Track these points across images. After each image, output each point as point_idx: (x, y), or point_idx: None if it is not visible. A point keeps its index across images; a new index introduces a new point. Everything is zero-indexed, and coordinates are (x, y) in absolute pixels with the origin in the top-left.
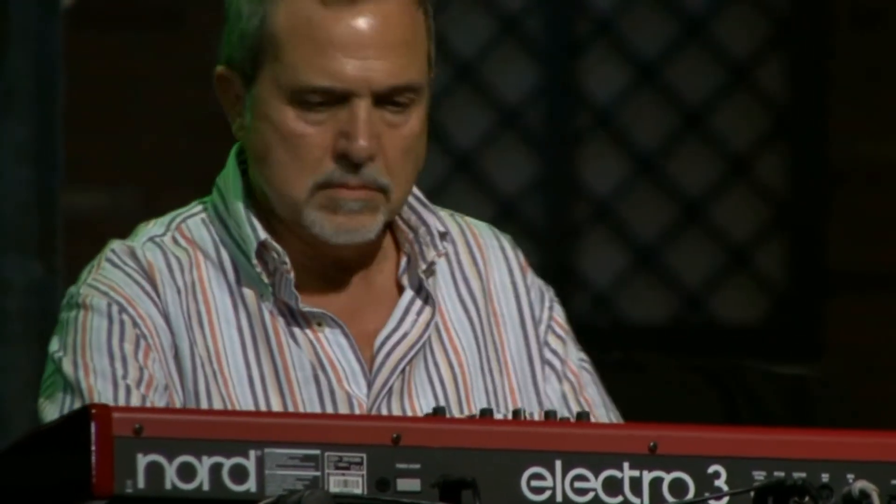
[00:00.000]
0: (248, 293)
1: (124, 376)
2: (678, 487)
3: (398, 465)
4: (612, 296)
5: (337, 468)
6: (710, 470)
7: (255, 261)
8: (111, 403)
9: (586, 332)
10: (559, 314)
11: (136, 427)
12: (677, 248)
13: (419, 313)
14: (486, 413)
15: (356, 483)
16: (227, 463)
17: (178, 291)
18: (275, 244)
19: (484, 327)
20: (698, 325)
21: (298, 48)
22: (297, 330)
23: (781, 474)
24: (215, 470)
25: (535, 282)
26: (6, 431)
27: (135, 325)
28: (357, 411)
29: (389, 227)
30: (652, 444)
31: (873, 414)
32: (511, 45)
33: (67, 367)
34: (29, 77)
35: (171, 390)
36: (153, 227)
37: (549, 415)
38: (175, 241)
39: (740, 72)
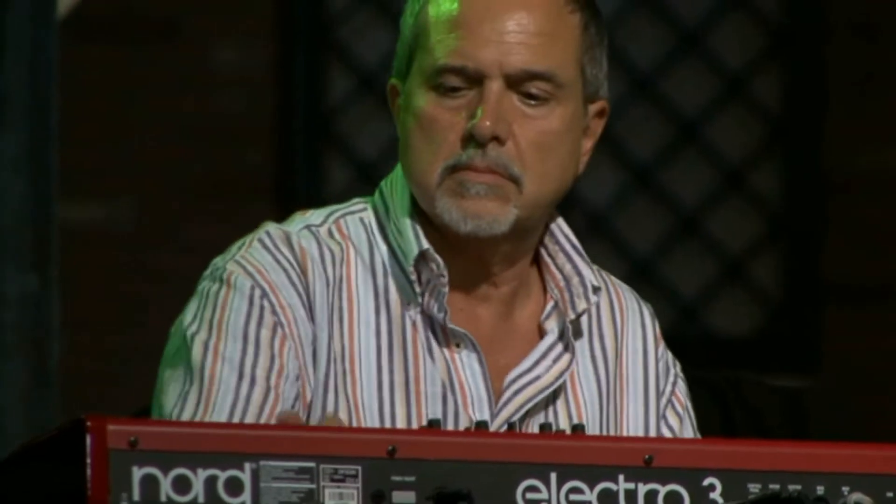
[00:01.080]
0: (394, 299)
1: (254, 365)
2: (673, 500)
3: (393, 477)
4: None
5: (332, 481)
6: (706, 482)
7: (410, 268)
8: (231, 394)
9: None
10: (681, 391)
11: (131, 440)
12: (673, 260)
13: (556, 360)
14: (482, 426)
15: (351, 496)
16: (223, 476)
17: (327, 283)
18: (436, 256)
19: (610, 388)
20: (694, 336)
21: (438, 33)
22: (434, 345)
23: (777, 487)
24: (210, 483)
25: (665, 355)
26: (2, 443)
27: (273, 312)
28: None
29: (538, 267)
30: (647, 456)
31: (869, 425)
32: None
33: (198, 347)
34: (23, 88)
35: (304, 381)
36: (311, 216)
37: (544, 427)
38: (330, 233)
39: (735, 83)
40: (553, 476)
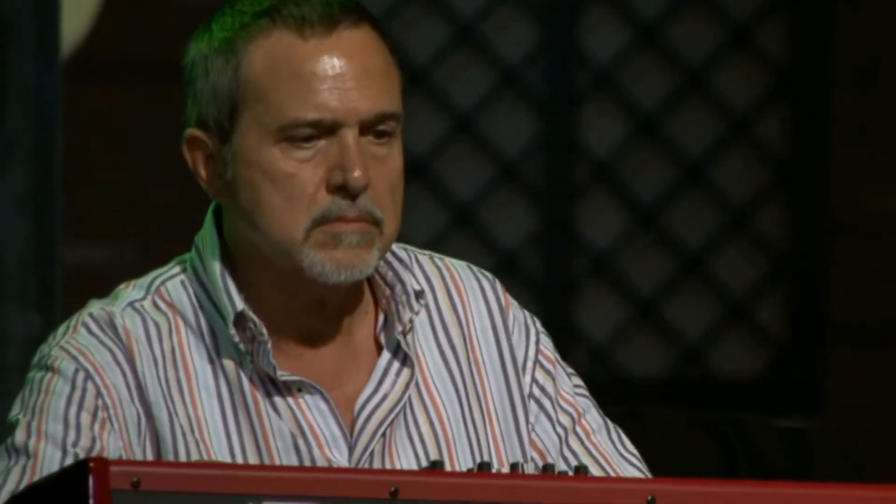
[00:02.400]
0: (227, 361)
1: (75, 443)
2: None
3: None
4: (611, 349)
5: None
6: None
7: (232, 330)
8: (56, 467)
9: (585, 386)
10: (546, 345)
11: (133, 480)
12: (677, 301)
13: (398, 374)
14: (484, 467)
15: None
16: None
17: (155, 361)
18: (251, 315)
19: (465, 377)
20: (698, 378)
21: (282, 85)
22: (277, 398)
23: None
24: None
25: (518, 317)
26: None
27: (98, 394)
28: None
29: (368, 281)
30: (650, 497)
31: (873, 468)
32: (511, 96)
33: (21, 430)
34: (28, 129)
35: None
36: (133, 290)
37: (547, 468)
38: (155, 304)
39: (740, 124)
40: None
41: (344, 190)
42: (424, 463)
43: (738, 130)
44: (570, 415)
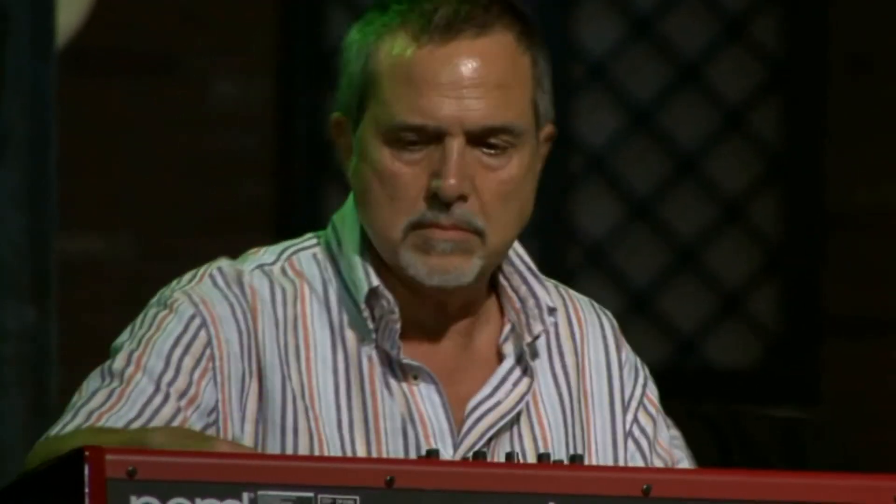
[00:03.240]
0: (350, 335)
1: (170, 383)
2: None
3: None
4: None
5: None
6: None
7: (362, 305)
8: (143, 399)
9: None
10: (653, 392)
11: (129, 469)
12: (671, 293)
13: (515, 384)
14: (480, 456)
15: None
16: None
17: (277, 323)
18: (386, 292)
19: (574, 405)
20: (692, 369)
21: (393, 86)
22: (392, 380)
23: None
24: None
25: (630, 359)
26: (2, 476)
27: (208, 344)
28: None
29: (495, 291)
30: (645, 486)
31: (866, 458)
32: None
33: (122, 356)
34: (22, 122)
35: (226, 416)
36: (263, 254)
37: (543, 457)
38: (283, 271)
39: (734, 116)
40: None
41: (437, 197)
42: None
43: (732, 123)
44: (664, 460)
